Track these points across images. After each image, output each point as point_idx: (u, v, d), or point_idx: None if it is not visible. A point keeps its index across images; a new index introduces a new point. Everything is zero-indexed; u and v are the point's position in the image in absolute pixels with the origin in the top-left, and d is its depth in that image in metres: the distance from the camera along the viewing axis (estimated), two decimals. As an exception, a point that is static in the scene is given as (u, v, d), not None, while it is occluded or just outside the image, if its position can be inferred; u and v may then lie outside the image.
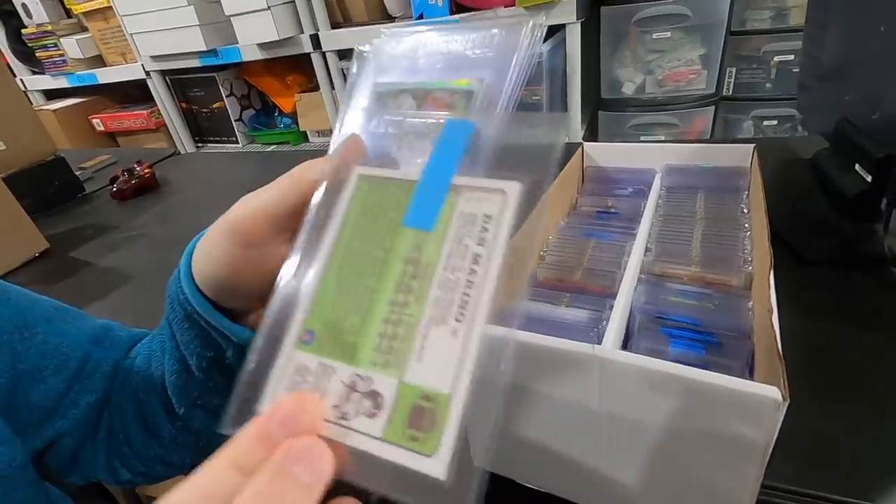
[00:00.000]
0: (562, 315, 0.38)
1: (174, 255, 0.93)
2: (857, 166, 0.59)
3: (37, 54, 2.06)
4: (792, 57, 1.36)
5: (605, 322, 0.35)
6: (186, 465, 0.36)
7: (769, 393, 0.23)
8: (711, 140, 1.46)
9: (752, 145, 0.50)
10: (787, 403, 0.23)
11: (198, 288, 0.26)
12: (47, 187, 1.09)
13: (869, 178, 0.55)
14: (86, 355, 0.34)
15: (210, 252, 0.25)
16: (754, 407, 0.24)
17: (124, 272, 0.79)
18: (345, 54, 1.60)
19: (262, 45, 1.61)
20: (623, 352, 0.27)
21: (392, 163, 0.21)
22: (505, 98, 0.21)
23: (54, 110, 2.03)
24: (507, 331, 0.17)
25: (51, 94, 2.20)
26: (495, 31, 0.22)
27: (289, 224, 0.23)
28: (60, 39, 1.97)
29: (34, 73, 2.15)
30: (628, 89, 1.49)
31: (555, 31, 1.36)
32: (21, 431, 0.30)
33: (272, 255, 0.24)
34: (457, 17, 1.34)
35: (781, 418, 0.23)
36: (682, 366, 0.26)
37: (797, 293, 0.49)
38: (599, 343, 0.31)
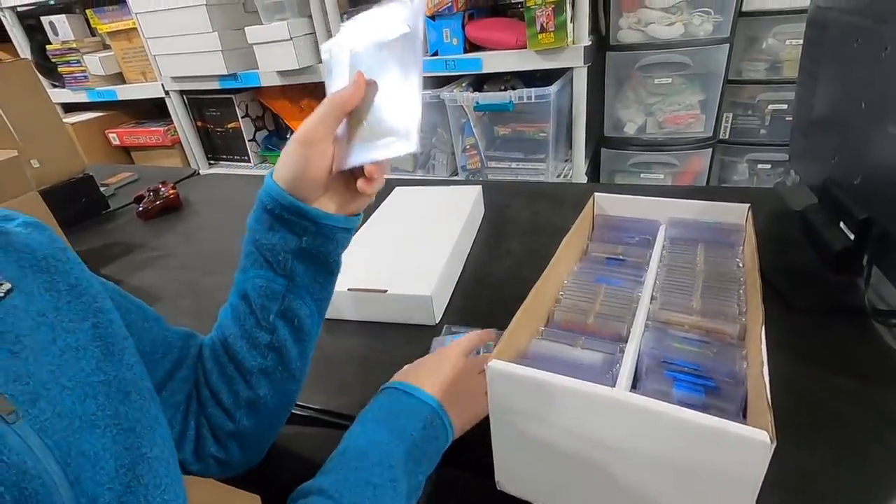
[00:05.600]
0: (579, 356, 0.42)
1: (202, 277, 0.97)
2: (841, 223, 0.65)
3: (59, 69, 2.13)
4: (785, 106, 1.45)
5: (618, 365, 0.40)
6: (269, 405, 0.43)
7: (759, 436, 0.28)
8: (711, 191, 1.53)
9: (748, 205, 0.56)
10: (774, 445, 0.28)
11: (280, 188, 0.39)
12: (75, 204, 1.13)
13: (852, 236, 0.61)
14: (181, 346, 0.42)
15: (288, 158, 0.39)
16: (747, 447, 0.28)
17: (154, 292, 0.84)
18: (360, 84, 1.68)
19: (282, 72, 1.68)
20: (637, 395, 0.32)
21: None
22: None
23: (72, 123, 2.09)
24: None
25: (69, 107, 2.26)
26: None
27: (331, 127, 0.39)
28: (83, 56, 2.04)
29: (55, 86, 2.22)
30: (630, 129, 1.57)
31: (563, 72, 1.44)
32: None
33: (326, 149, 0.39)
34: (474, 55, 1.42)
35: (770, 457, 0.28)
36: (686, 409, 0.31)
37: (787, 339, 0.54)
38: (614, 384, 0.36)
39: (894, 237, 0.53)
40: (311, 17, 1.58)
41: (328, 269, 0.42)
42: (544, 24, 1.27)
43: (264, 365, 0.41)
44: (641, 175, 1.60)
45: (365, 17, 0.41)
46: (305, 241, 0.40)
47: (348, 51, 0.42)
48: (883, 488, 0.40)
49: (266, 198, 0.39)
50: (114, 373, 0.32)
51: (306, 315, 0.42)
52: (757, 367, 0.35)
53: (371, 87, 0.40)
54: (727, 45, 1.39)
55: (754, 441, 0.28)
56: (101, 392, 0.30)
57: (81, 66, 2.07)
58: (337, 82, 0.42)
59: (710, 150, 1.53)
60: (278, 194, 0.39)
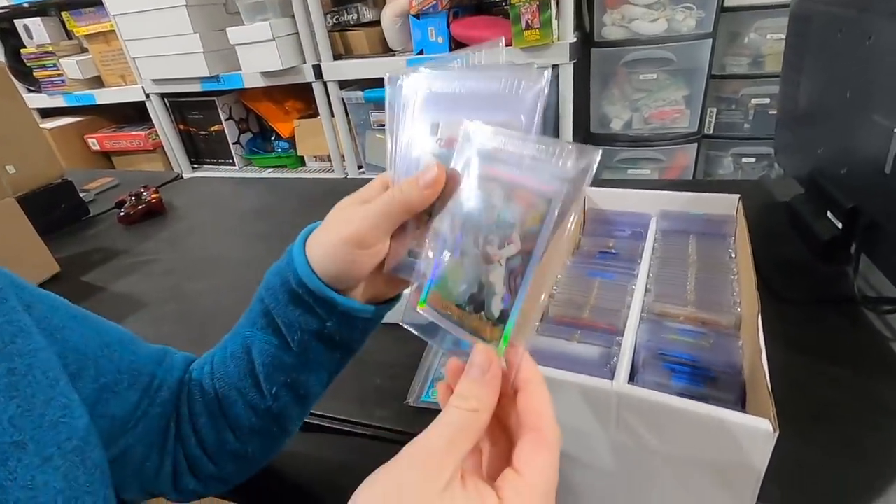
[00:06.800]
0: (575, 350, 0.42)
1: (187, 282, 0.95)
2: (828, 213, 0.65)
3: (35, 73, 2.08)
4: (768, 100, 1.46)
5: (615, 358, 0.39)
6: (257, 457, 0.40)
7: (762, 425, 0.28)
8: (699, 184, 1.54)
9: (738, 196, 0.56)
10: (777, 434, 0.27)
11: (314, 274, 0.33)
12: (54, 210, 1.11)
13: (839, 226, 0.61)
14: (153, 372, 0.38)
15: (334, 253, 0.32)
16: (749, 436, 0.28)
17: (138, 298, 0.81)
18: (345, 84, 1.66)
19: (265, 74, 1.66)
20: (638, 387, 0.31)
21: None
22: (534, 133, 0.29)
23: (49, 129, 2.04)
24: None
25: (45, 113, 2.21)
26: (522, 81, 0.29)
27: (391, 229, 0.32)
28: (60, 60, 2.00)
29: (30, 91, 2.16)
30: (616, 125, 1.58)
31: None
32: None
33: (380, 250, 0.33)
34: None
35: (772, 446, 0.28)
36: (686, 400, 0.30)
37: (778, 330, 0.54)
38: (613, 378, 0.36)
39: (881, 225, 0.53)
40: (293, 17, 1.56)
41: (349, 349, 0.38)
42: (529, 21, 1.27)
43: (259, 425, 0.38)
44: (629, 171, 1.61)
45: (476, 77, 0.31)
46: (329, 327, 0.34)
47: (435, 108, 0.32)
48: (881, 477, 0.40)
49: (294, 280, 0.33)
50: (31, 433, 0.27)
51: (315, 384, 0.38)
52: (755, 356, 0.34)
53: (454, 179, 0.30)
54: (710, 41, 1.40)
55: (757, 430, 0.28)
56: (13, 456, 0.26)
57: (58, 70, 2.03)
58: (402, 125, 0.34)
59: (696, 144, 1.54)
60: (315, 285, 0.33)
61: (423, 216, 0.32)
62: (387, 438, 0.50)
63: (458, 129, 0.30)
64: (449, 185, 0.30)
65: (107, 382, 0.35)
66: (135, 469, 0.37)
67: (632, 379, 0.40)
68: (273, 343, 0.36)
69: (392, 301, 0.37)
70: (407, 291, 0.34)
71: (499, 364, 0.25)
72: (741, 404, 0.37)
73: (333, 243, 0.32)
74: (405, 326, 0.30)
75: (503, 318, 0.25)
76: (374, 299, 0.36)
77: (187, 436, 0.39)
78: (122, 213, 1.10)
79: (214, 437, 0.38)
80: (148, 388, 0.38)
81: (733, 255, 0.52)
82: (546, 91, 0.29)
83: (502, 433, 0.26)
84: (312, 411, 0.53)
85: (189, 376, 0.40)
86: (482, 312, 0.26)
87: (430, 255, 0.30)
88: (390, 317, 0.43)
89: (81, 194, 1.21)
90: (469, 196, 0.28)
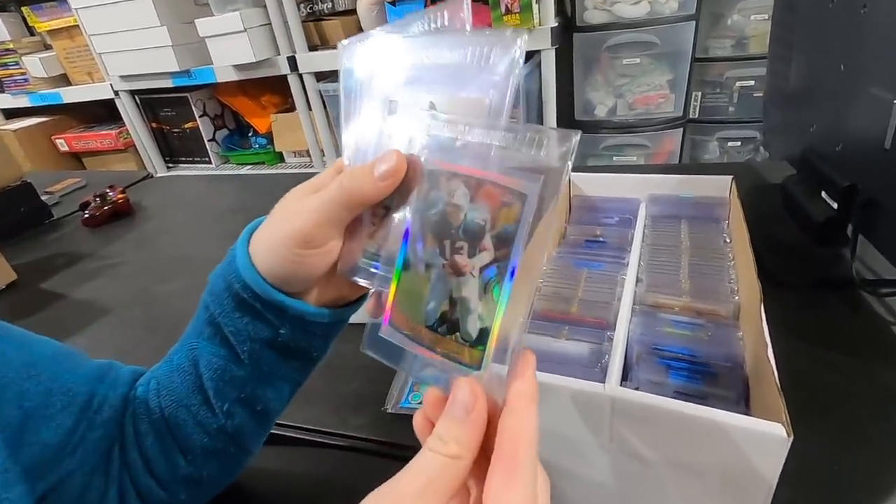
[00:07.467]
0: (563, 348, 0.39)
1: (155, 285, 0.90)
2: (823, 193, 0.63)
3: (-4, 73, 2.00)
4: (752, 82, 1.44)
5: (606, 356, 0.36)
6: (213, 481, 0.36)
7: (774, 430, 0.24)
8: (688, 168, 1.52)
9: (731, 177, 0.53)
10: (791, 439, 0.24)
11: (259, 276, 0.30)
12: (13, 214, 1.04)
13: (835, 206, 0.59)
14: (91, 391, 0.34)
15: (277, 252, 0.29)
16: (761, 443, 0.25)
17: (102, 304, 0.77)
18: (322, 76, 1.61)
19: (238, 67, 1.60)
20: (634, 391, 0.28)
21: None
22: (506, 111, 0.25)
23: (14, 130, 1.96)
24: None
25: (10, 114, 2.12)
26: (493, 49, 0.25)
27: (342, 225, 0.29)
28: (22, 58, 1.92)
29: (-7, 91, 2.08)
30: (601, 112, 1.55)
31: (530, 55, 1.40)
32: (31, 472, 0.29)
33: (331, 249, 0.29)
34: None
35: (786, 453, 0.25)
36: (688, 404, 0.27)
37: (776, 316, 0.51)
38: (604, 377, 0.33)
39: (880, 203, 0.51)
40: (265, 7, 1.50)
41: (309, 358, 0.34)
42: (509, 6, 1.23)
43: (213, 446, 0.34)
44: (614, 158, 1.58)
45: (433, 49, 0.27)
46: (283, 334, 0.31)
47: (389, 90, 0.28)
48: (887, 465, 0.37)
49: (238, 283, 0.30)
50: None
51: (274, 398, 0.34)
52: (758, 348, 0.31)
53: (415, 168, 0.26)
54: (693, 23, 1.37)
55: (769, 436, 0.25)
56: None
57: (21, 68, 1.95)
58: (358, 103, 0.30)
59: (681, 129, 1.52)
60: (260, 288, 0.29)
61: (380, 210, 0.28)
62: (364, 449, 0.46)
63: (419, 107, 0.27)
64: (410, 175, 0.26)
65: (33, 406, 0.31)
66: (74, 500, 0.33)
67: (625, 377, 0.37)
68: (221, 355, 0.32)
69: (356, 304, 0.34)
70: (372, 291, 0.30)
71: (485, 400, 0.21)
72: (744, 400, 0.34)
73: (277, 240, 0.28)
74: (367, 353, 0.26)
75: (482, 338, 0.22)
76: (336, 302, 0.32)
77: (133, 459, 0.34)
78: (86, 216, 1.04)
79: (163, 460, 0.34)
80: (86, 408, 0.33)
81: (728, 240, 0.49)
82: (521, 60, 0.25)
83: (487, 464, 0.22)
84: (281, 421, 0.49)
85: (134, 393, 0.36)
86: (457, 333, 0.22)
87: (391, 259, 0.25)
88: (362, 318, 0.37)
89: (44, 197, 1.15)
90: (428, 198, 0.24)
